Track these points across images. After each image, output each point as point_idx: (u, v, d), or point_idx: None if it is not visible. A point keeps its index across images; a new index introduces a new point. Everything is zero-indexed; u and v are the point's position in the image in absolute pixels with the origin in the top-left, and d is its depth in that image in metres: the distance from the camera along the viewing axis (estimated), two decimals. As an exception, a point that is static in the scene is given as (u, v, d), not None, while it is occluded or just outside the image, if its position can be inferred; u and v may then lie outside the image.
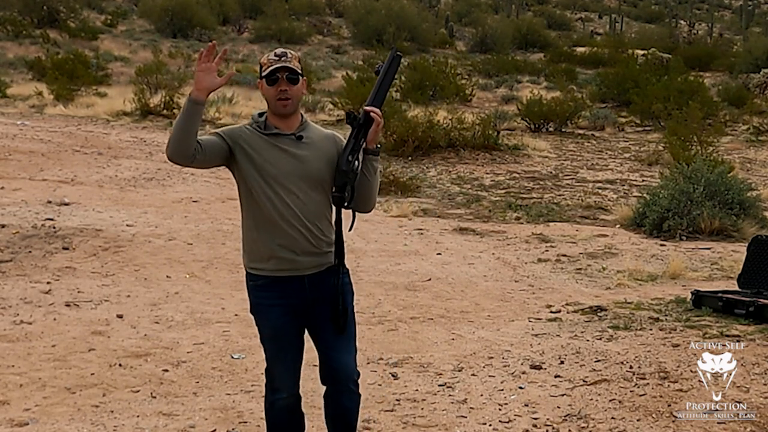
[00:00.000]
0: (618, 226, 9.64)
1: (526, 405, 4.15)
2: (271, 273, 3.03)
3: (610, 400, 4.14)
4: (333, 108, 20.24)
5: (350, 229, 3.16)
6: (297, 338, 3.12)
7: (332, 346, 3.13)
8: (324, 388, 3.21)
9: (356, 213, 3.13)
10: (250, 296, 3.12)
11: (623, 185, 12.87)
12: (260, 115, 3.08)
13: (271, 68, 2.96)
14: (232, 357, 4.92)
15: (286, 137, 3.01)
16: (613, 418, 3.93)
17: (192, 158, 2.89)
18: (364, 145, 2.99)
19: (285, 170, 2.98)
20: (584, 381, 4.44)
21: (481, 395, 4.31)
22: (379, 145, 3.05)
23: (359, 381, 3.20)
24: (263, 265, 3.04)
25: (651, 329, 5.41)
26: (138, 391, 4.36)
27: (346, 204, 3.01)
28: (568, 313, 6.03)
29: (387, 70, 3.04)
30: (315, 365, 3.24)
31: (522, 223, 9.85)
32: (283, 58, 2.96)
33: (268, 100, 3.01)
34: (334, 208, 3.06)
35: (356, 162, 2.97)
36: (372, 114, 2.97)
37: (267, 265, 3.03)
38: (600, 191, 12.26)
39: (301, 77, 3.00)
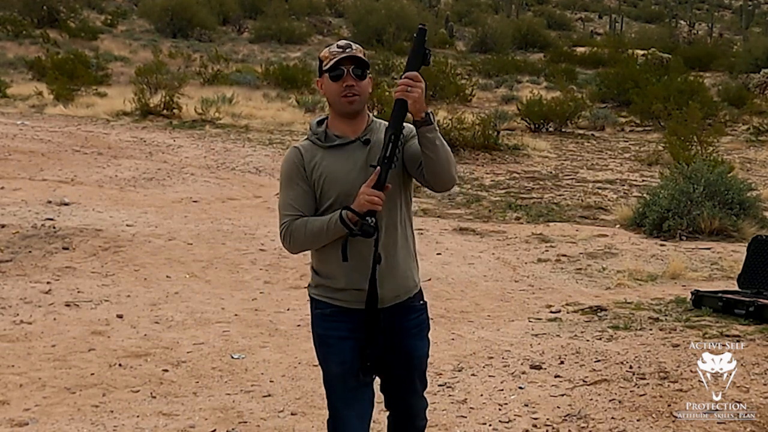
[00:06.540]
0: (618, 226, 9.63)
1: (526, 405, 4.15)
2: (344, 304, 2.64)
3: (610, 400, 4.14)
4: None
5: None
6: (370, 379, 2.72)
7: (407, 391, 2.81)
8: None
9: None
10: (316, 327, 2.71)
11: (623, 185, 12.86)
12: (319, 123, 2.70)
13: (335, 60, 2.57)
14: (232, 357, 4.92)
15: (350, 145, 2.63)
16: (613, 418, 3.93)
17: None
18: (397, 152, 2.54)
19: (355, 183, 2.55)
20: (584, 381, 4.44)
21: (481, 395, 4.31)
22: (425, 114, 2.51)
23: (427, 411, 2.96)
24: (334, 294, 2.65)
25: (651, 329, 5.41)
26: (138, 391, 4.36)
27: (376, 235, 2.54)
28: (568, 313, 6.02)
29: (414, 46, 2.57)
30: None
31: (522, 223, 9.84)
32: (347, 50, 2.58)
33: (331, 101, 2.63)
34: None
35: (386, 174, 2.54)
36: (406, 91, 2.49)
37: (339, 295, 2.65)
38: (600, 191, 12.25)
39: (368, 72, 2.64)
